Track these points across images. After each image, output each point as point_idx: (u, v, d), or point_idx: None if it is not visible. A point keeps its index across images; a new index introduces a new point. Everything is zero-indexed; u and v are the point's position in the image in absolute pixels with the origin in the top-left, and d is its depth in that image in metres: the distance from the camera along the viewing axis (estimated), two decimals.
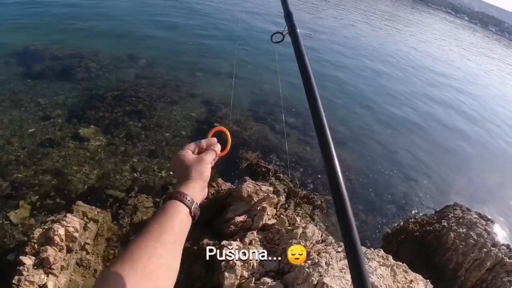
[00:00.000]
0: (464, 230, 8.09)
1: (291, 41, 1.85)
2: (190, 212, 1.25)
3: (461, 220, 8.52)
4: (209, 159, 1.42)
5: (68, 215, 6.02)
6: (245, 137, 10.34)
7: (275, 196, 6.93)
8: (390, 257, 5.77)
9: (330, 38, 27.13)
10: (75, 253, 5.82)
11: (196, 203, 1.29)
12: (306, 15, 33.37)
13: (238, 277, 5.36)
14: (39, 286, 5.21)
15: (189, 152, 1.41)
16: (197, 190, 1.32)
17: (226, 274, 5.36)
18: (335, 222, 8.76)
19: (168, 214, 1.17)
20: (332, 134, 1.20)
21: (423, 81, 23.84)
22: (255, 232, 6.31)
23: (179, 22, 20.73)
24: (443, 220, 8.69)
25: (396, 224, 9.38)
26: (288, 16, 2.25)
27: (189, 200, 1.25)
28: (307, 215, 7.68)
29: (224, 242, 5.89)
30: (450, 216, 8.83)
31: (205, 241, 6.25)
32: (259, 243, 6.18)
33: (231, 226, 6.48)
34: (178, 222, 1.19)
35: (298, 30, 2.04)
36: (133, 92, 11.33)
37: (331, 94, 15.56)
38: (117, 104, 10.53)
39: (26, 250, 5.46)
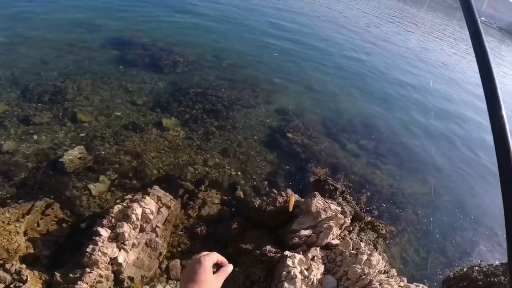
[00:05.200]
0: None
1: None
2: None
3: None
4: (222, 279, 1.42)
5: (146, 197, 6.35)
6: (315, 152, 10.29)
7: (342, 217, 6.83)
8: None
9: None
10: (146, 233, 6.10)
11: None
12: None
13: None
14: (110, 258, 5.52)
15: (210, 268, 1.39)
16: None
17: (286, 284, 5.35)
18: (396, 254, 8.46)
19: None
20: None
21: None
22: (318, 249, 6.25)
23: (268, 30, 21.30)
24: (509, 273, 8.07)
25: (459, 269, 8.85)
26: None
27: None
28: (371, 242, 7.46)
29: (287, 253, 5.90)
30: None
31: (268, 247, 6.28)
32: (320, 260, 6.11)
33: (296, 238, 6.47)
34: None
35: None
36: (213, 91, 11.74)
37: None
38: (198, 101, 10.97)
39: (104, 222, 5.81)
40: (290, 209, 6.90)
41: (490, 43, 79.53)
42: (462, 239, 9.70)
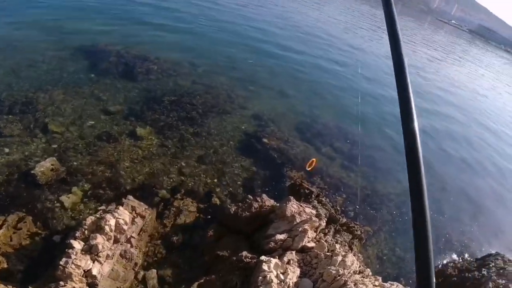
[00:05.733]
0: (504, 281, 7.74)
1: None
2: None
3: (501, 271, 8.16)
4: None
5: (120, 207, 6.31)
6: (291, 156, 10.41)
7: (317, 220, 6.93)
8: None
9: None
10: (121, 244, 6.06)
11: None
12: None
13: None
14: (84, 270, 5.46)
15: None
16: None
17: None
18: (372, 254, 8.64)
19: None
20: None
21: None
22: (294, 253, 6.33)
23: (242, 38, 21.42)
24: (483, 269, 8.37)
25: (434, 266, 9.09)
26: None
27: None
28: (346, 244, 7.60)
29: (263, 258, 5.96)
30: (491, 265, 8.49)
31: (244, 253, 6.33)
32: (296, 264, 6.19)
33: (271, 243, 6.53)
34: None
35: None
36: (188, 98, 11.74)
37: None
38: (172, 109, 10.95)
39: (77, 234, 5.75)
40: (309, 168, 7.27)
41: (461, 45, 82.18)
42: (437, 237, 9.98)
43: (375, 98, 18.21)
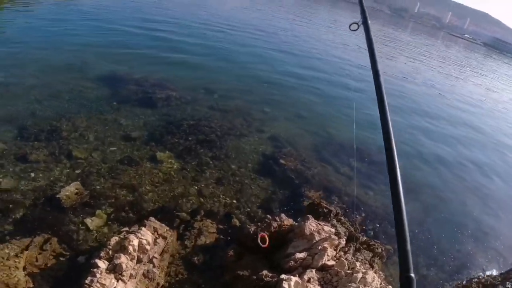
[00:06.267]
0: None
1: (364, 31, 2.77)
2: None
3: None
4: None
5: (143, 228, 6.47)
6: (308, 176, 10.48)
7: (336, 238, 6.94)
8: None
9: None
10: (144, 264, 6.18)
11: None
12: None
13: None
14: None
15: None
16: None
17: None
18: (394, 273, 8.51)
19: None
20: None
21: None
22: (314, 271, 6.34)
23: (257, 63, 22.09)
24: (507, 282, 8.23)
25: (458, 282, 8.92)
26: (362, 11, 3.37)
27: None
28: (367, 262, 7.55)
29: (283, 276, 5.99)
30: None
31: (264, 272, 6.36)
32: (317, 282, 6.19)
33: (291, 261, 6.56)
34: None
35: (369, 22, 2.95)
36: (206, 122, 12.04)
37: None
38: (191, 133, 11.24)
39: (101, 254, 5.90)
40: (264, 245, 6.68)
41: (476, 59, 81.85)
42: (460, 253, 9.83)
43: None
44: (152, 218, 7.07)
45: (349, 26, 3.81)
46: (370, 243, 7.98)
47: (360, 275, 6.01)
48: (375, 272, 6.77)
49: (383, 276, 7.27)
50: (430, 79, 33.67)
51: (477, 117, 24.91)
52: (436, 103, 25.23)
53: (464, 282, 8.78)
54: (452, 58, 65.58)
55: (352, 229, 8.12)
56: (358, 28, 3.72)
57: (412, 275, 1.95)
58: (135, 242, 6.04)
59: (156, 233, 6.78)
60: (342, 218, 8.48)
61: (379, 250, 8.00)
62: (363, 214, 9.42)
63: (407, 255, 2.01)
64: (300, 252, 6.72)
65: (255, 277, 6.35)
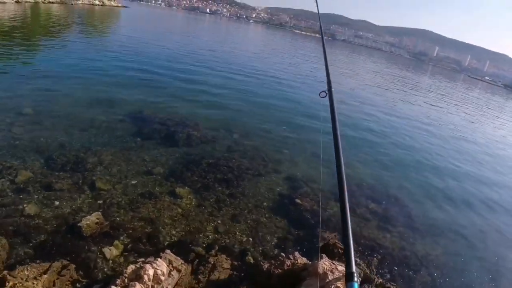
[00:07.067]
0: None
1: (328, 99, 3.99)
2: None
3: None
4: None
5: (158, 259, 6.59)
6: (324, 217, 10.47)
7: None
8: None
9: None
10: None
11: None
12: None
13: None
14: None
15: None
16: None
17: None
18: None
19: None
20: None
21: None
22: None
23: (275, 104, 22.73)
24: None
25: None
26: (328, 81, 4.52)
27: None
28: None
29: None
30: None
31: None
32: None
33: None
34: None
35: (333, 89, 4.15)
36: (225, 161, 12.33)
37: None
38: (210, 171, 11.53)
39: (117, 282, 6.01)
40: None
41: (497, 101, 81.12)
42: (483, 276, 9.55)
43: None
44: (168, 251, 7.18)
45: (319, 94, 4.61)
46: (386, 285, 7.83)
47: None
48: None
49: None
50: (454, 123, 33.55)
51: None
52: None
53: None
54: (473, 101, 65.25)
55: (368, 271, 8.02)
56: (326, 95, 4.54)
57: (354, 271, 2.32)
58: (151, 272, 6.15)
59: (171, 265, 6.87)
60: (358, 259, 8.41)
61: None
62: (380, 257, 9.29)
63: (350, 253, 2.45)
64: None
65: None
